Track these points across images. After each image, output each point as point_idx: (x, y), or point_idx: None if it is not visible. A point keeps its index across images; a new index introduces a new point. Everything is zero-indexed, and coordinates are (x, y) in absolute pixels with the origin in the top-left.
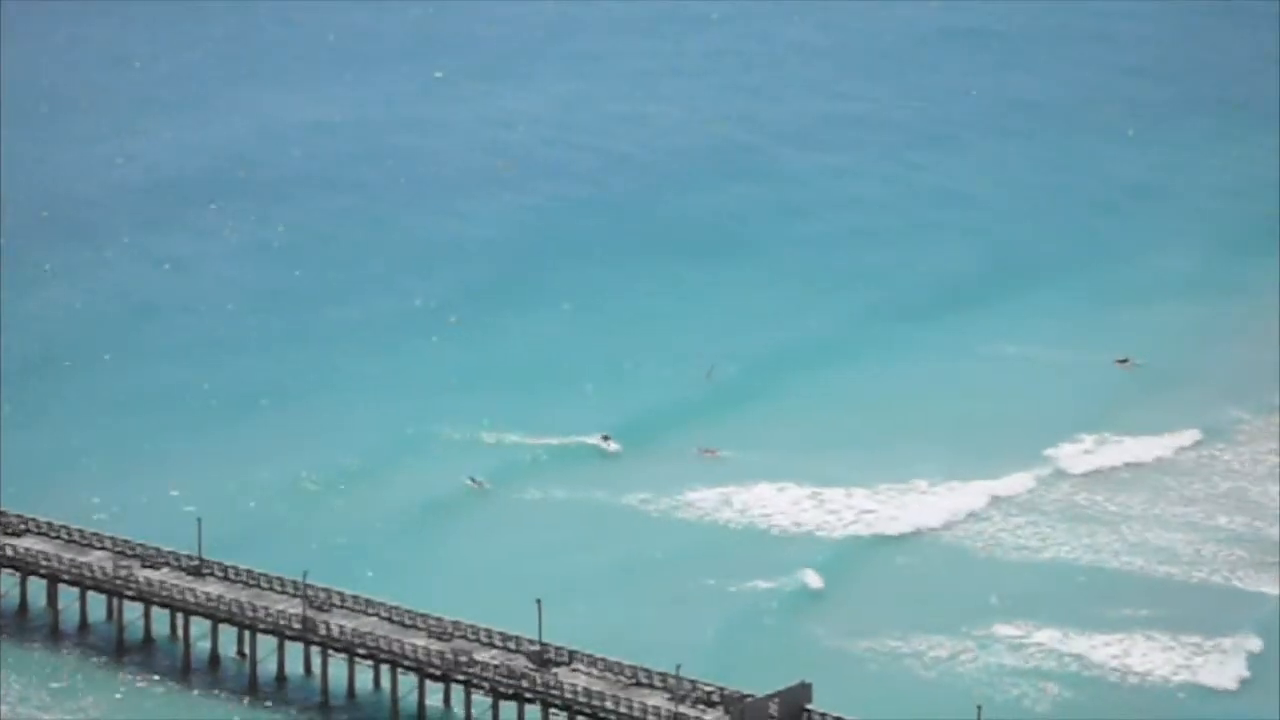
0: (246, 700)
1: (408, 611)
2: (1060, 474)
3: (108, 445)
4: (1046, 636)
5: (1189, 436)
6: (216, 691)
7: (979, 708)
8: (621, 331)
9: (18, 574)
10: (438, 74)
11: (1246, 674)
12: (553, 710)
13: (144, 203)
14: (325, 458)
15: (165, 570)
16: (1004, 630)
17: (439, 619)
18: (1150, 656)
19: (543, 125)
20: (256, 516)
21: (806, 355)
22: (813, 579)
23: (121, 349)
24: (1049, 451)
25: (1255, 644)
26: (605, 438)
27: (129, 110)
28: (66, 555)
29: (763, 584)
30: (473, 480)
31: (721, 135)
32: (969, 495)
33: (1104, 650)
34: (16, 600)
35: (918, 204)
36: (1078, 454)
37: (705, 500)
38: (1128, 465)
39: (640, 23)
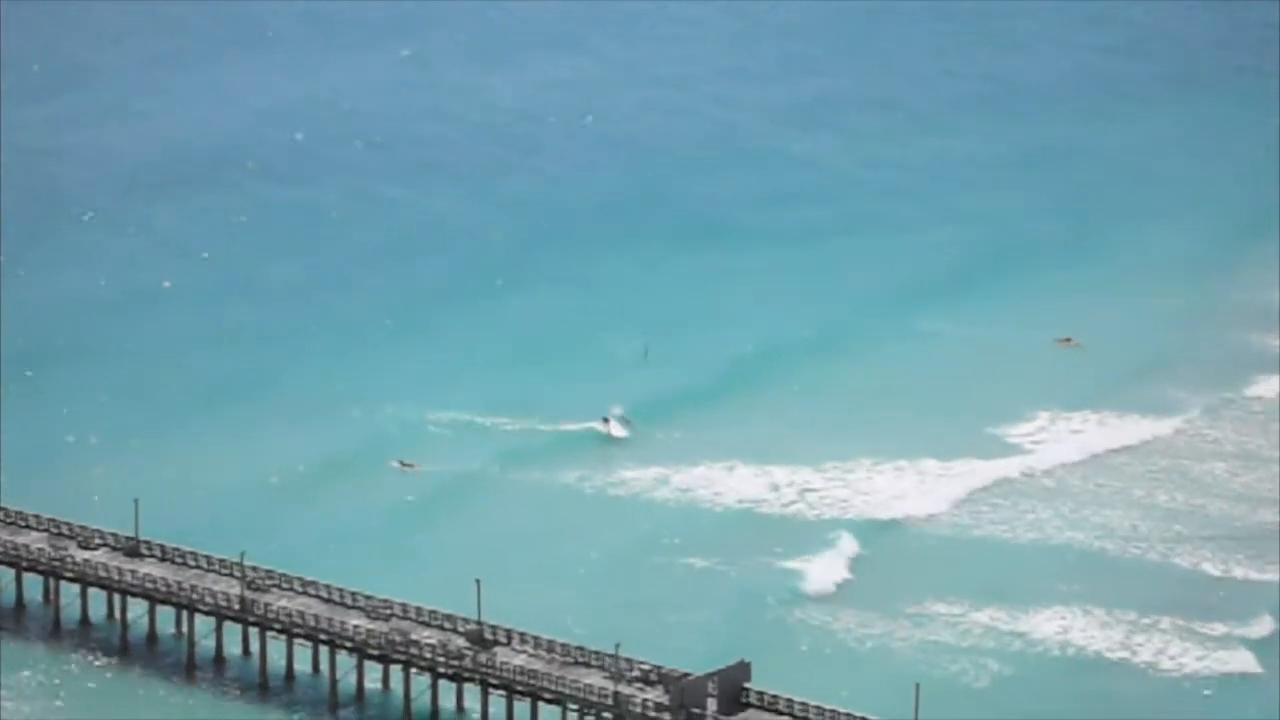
0: (185, 680)
1: (346, 592)
2: (999, 453)
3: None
4: (985, 614)
5: (1129, 416)
6: (155, 671)
7: (917, 685)
8: (594, 316)
9: None
10: (404, 52)
11: (1180, 649)
12: (492, 690)
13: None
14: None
15: (102, 551)
16: (940, 607)
17: (377, 599)
18: (1089, 633)
19: (532, 108)
20: (236, 504)
21: (780, 344)
22: (753, 557)
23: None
24: (992, 431)
25: (1193, 621)
26: (606, 420)
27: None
28: (2, 536)
29: (700, 562)
30: (401, 463)
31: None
32: (913, 474)
33: (1045, 627)
34: None
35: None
36: (1018, 433)
37: (640, 480)
38: (1064, 444)
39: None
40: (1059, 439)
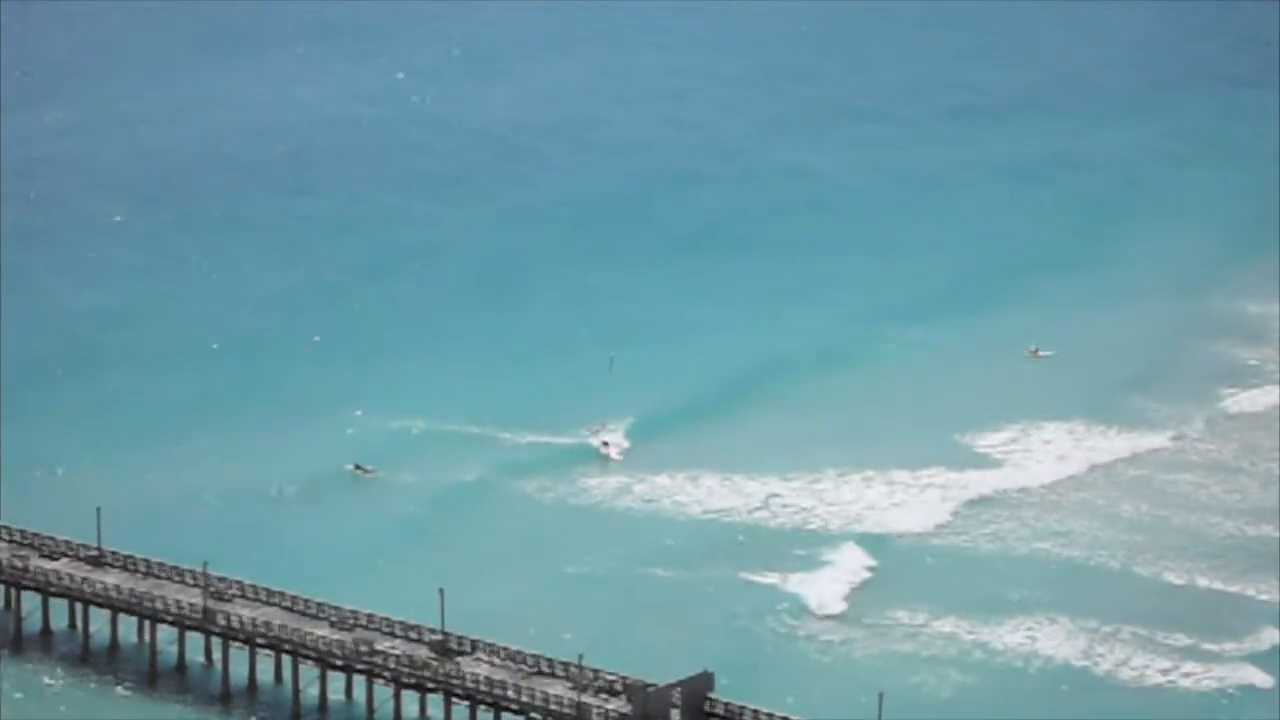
0: (146, 690)
1: (309, 601)
2: (969, 464)
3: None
4: (948, 623)
5: (1099, 428)
6: (117, 681)
7: (880, 695)
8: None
9: None
10: (399, 75)
11: (1142, 659)
12: (455, 700)
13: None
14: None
15: (64, 561)
16: (901, 616)
17: (341, 609)
18: (1054, 642)
19: (529, 122)
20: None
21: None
22: (717, 564)
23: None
24: (961, 441)
25: (1155, 632)
26: (605, 443)
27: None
28: None
29: (661, 572)
30: (358, 467)
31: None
32: (880, 484)
33: (1009, 637)
34: None
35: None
36: (987, 444)
37: (603, 488)
38: (1034, 455)
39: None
40: (1029, 450)
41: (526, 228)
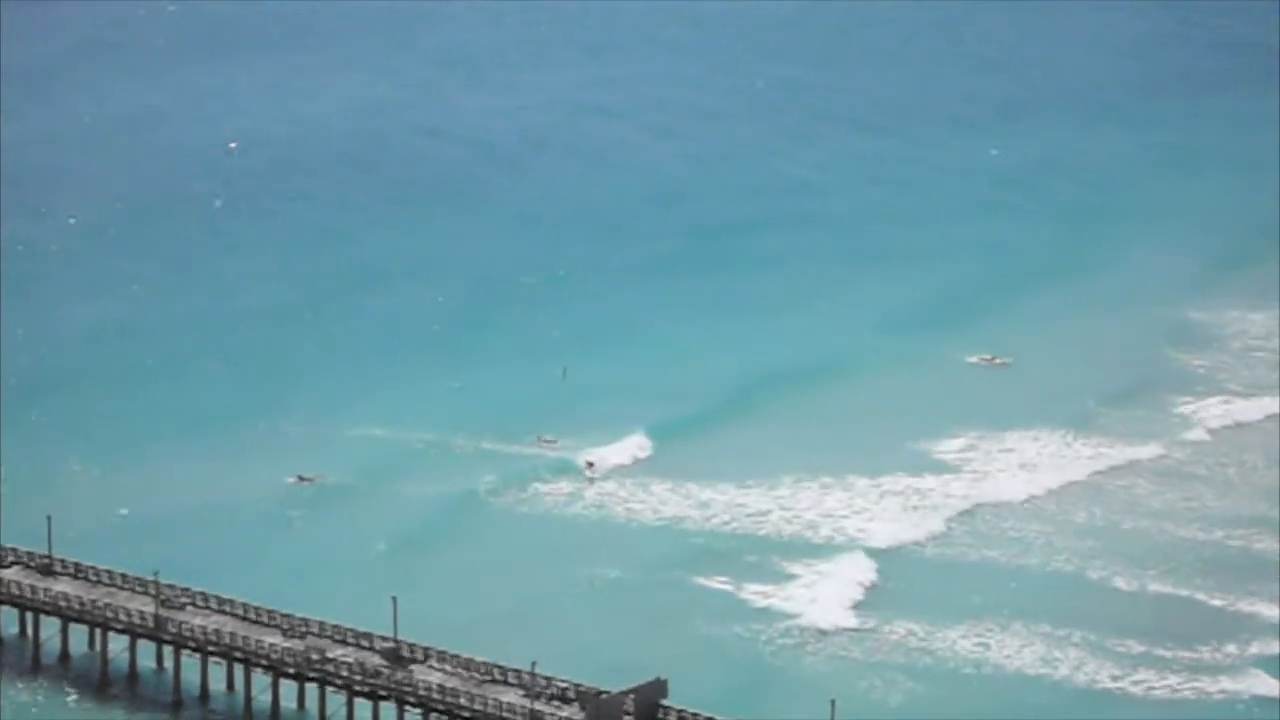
0: (98, 698)
1: (261, 609)
2: (920, 468)
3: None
4: (899, 629)
5: (1047, 431)
6: (67, 689)
7: (833, 702)
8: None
9: None
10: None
11: (1102, 666)
12: (408, 708)
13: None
14: None
15: (15, 569)
16: (853, 621)
17: (293, 617)
18: (1005, 649)
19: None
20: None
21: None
22: (671, 571)
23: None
24: (917, 448)
25: (1109, 637)
26: (589, 464)
27: None
28: None
29: (618, 575)
30: (300, 477)
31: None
32: (838, 491)
33: (961, 643)
34: None
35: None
36: (943, 451)
37: (558, 492)
38: (992, 462)
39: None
40: (987, 457)
41: (519, 237)
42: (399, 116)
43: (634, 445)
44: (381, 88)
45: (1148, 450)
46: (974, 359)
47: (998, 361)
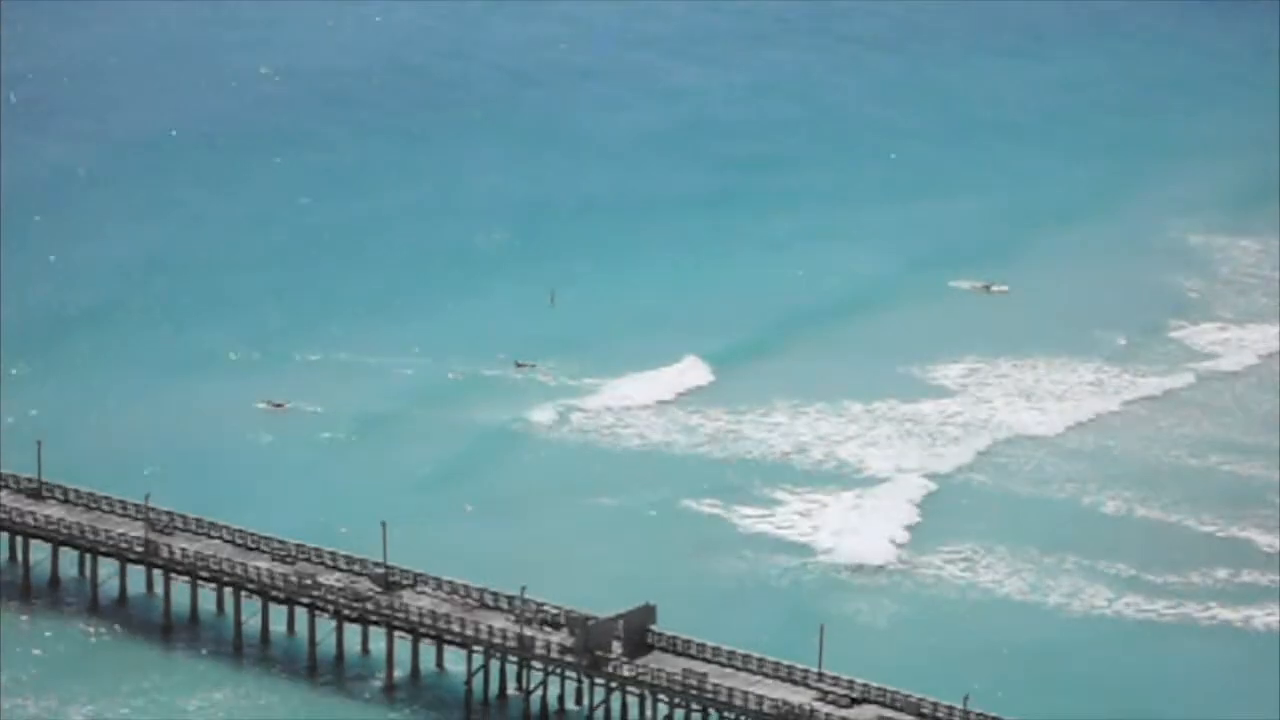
0: (88, 621)
1: (251, 534)
2: (911, 392)
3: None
4: (888, 552)
5: (1050, 360)
6: (57, 613)
7: (822, 626)
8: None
9: None
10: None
11: (1091, 591)
12: (398, 632)
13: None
14: None
15: (4, 493)
16: (842, 544)
17: (282, 542)
18: (991, 573)
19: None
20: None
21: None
22: (661, 496)
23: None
24: (914, 374)
25: (1097, 560)
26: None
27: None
28: None
29: (607, 502)
30: (269, 403)
31: None
32: (826, 416)
33: (948, 568)
34: None
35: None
36: (941, 376)
37: (541, 417)
38: (988, 388)
39: None
40: (984, 382)
41: (538, 171)
42: (437, 46)
43: (622, 366)
44: (426, 18)
45: (1147, 381)
46: (967, 285)
47: (995, 289)
